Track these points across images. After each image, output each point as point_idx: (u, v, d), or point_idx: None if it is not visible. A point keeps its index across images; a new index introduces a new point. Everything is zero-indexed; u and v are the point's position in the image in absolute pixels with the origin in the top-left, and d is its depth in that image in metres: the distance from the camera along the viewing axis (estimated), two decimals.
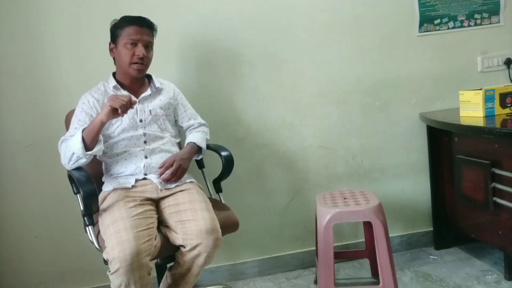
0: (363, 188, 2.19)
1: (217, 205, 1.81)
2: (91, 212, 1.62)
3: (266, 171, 2.32)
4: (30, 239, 2.14)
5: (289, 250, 2.38)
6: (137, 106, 1.79)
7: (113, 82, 1.81)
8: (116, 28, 1.77)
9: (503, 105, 2.05)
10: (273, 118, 2.30)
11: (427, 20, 2.37)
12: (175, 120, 1.96)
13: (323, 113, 2.33)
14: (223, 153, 1.88)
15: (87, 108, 1.75)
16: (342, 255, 2.32)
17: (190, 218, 1.59)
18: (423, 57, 2.38)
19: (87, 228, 1.63)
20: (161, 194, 1.73)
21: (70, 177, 1.69)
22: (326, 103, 2.33)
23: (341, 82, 2.33)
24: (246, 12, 2.21)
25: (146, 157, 1.77)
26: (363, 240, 2.20)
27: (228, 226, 1.70)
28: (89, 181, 1.56)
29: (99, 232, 1.62)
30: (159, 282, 1.83)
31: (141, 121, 1.80)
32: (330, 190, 2.15)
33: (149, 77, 1.90)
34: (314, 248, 2.14)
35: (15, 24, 2.03)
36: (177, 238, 1.59)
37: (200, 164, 2.06)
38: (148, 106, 1.82)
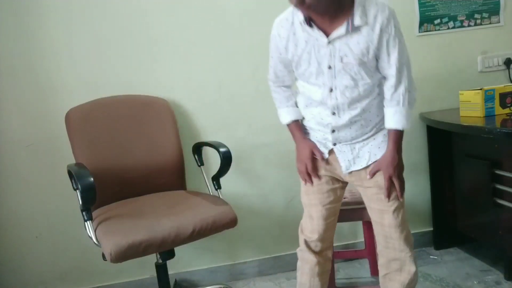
0: None
1: (215, 200, 1.80)
2: (89, 206, 1.61)
3: (266, 171, 2.32)
4: (30, 239, 2.14)
5: (289, 250, 2.37)
6: (325, 50, 1.41)
7: (301, 16, 1.41)
8: None
9: (503, 105, 2.05)
10: (273, 118, 2.29)
11: (427, 20, 2.37)
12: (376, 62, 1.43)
13: None
14: (221, 149, 1.87)
15: (272, 52, 1.58)
16: (342, 255, 2.32)
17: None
18: (423, 57, 2.38)
19: (85, 223, 1.61)
20: (346, 179, 1.59)
21: (70, 173, 1.69)
22: None
23: None
24: (247, 12, 2.21)
25: (333, 131, 1.51)
26: (363, 240, 2.20)
27: (226, 221, 1.70)
28: (87, 175, 1.56)
29: (97, 227, 1.61)
30: (159, 282, 1.83)
31: (329, 68, 1.42)
32: None
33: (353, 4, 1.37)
34: None
35: (15, 25, 2.03)
36: None
37: (200, 161, 2.06)
38: (339, 51, 1.39)
